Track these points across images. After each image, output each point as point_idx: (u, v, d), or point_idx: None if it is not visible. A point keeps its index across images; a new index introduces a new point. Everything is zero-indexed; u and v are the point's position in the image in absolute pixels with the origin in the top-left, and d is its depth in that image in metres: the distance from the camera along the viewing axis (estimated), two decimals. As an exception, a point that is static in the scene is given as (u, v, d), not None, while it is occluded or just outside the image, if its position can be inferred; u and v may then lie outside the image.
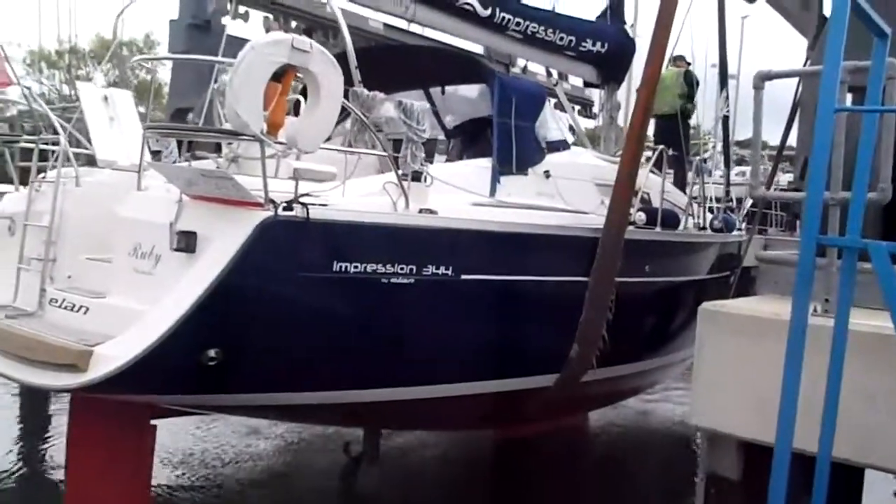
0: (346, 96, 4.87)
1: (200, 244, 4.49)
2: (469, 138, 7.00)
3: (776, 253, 6.42)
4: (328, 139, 6.58)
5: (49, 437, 8.34)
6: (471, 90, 7.80)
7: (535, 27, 7.77)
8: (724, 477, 4.32)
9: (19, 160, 6.31)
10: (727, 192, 10.20)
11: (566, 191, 6.58)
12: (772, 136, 10.93)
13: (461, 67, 7.16)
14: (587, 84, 10.13)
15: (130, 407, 5.07)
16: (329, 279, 4.66)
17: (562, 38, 8.13)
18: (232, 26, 9.39)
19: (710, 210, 9.20)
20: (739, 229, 9.50)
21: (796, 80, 7.80)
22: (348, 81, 4.96)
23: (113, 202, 5.28)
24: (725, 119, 10.89)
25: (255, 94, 4.22)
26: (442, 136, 7.31)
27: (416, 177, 5.21)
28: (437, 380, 5.49)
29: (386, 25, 9.37)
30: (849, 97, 4.34)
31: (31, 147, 5.87)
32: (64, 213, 5.51)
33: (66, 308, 5.18)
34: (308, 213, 4.49)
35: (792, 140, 8.48)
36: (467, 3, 7.45)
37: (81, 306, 5.09)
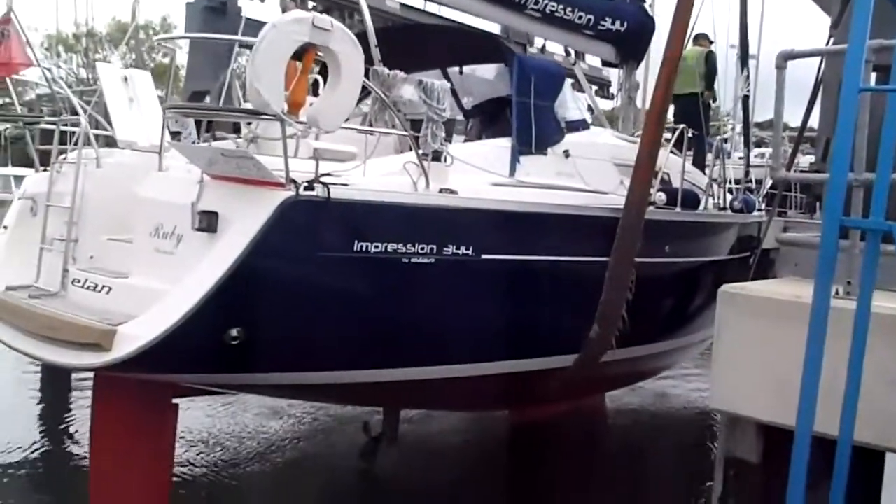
0: (366, 75, 4.85)
1: (222, 224, 4.50)
2: (488, 118, 6.96)
3: (797, 235, 6.35)
4: (346, 120, 6.62)
5: (71, 416, 8.45)
6: (489, 70, 7.76)
7: (553, 5, 7.68)
8: (743, 460, 4.30)
9: (39, 143, 6.34)
10: (746, 173, 10.11)
11: (586, 171, 6.54)
12: (792, 118, 10.83)
13: (479, 47, 7.12)
14: (605, 63, 10.03)
15: (153, 386, 5.11)
16: (350, 259, 4.67)
17: (580, 17, 8.04)
18: (248, 8, 9.38)
19: (730, 191, 9.13)
20: (759, 210, 9.42)
21: (818, 60, 7.72)
22: (368, 60, 4.94)
23: (133, 183, 5.31)
24: (745, 99, 10.77)
25: (276, 73, 4.21)
26: (460, 117, 7.28)
27: (437, 156, 5.20)
28: (456, 359, 5.50)
29: (402, 5, 9.34)
30: (873, 77, 4.27)
31: (51, 129, 5.89)
32: (85, 193, 5.54)
33: (88, 288, 5.21)
34: (329, 192, 4.50)
35: (813, 121, 8.40)
36: (485, -19, 7.38)
37: (104, 286, 5.12)
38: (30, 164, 6.36)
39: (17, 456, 7.26)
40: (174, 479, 6.61)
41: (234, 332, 4.39)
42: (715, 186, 8.35)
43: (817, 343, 3.28)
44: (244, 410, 8.61)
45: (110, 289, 5.09)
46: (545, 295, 5.76)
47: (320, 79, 5.71)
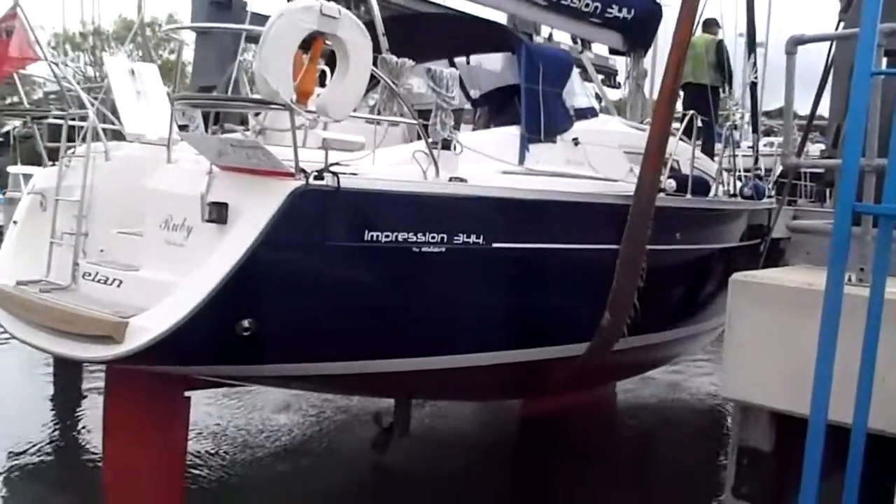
0: (374, 64, 4.83)
1: (232, 215, 4.49)
2: (495, 107, 6.93)
3: (809, 222, 6.31)
4: (354, 110, 6.59)
5: (83, 410, 8.48)
6: (495, 60, 7.72)
7: (560, -7, 7.64)
8: (756, 449, 4.27)
9: (48, 140, 6.33)
10: (756, 161, 10.04)
11: (595, 158, 6.50)
12: (800, 106, 10.72)
13: (487, 36, 7.08)
14: (613, 52, 9.98)
15: (165, 379, 5.12)
16: (360, 248, 4.65)
17: (587, 5, 7.99)
18: (253, 2, 9.33)
19: (739, 178, 9.08)
20: (770, 197, 9.36)
21: (826, 47, 7.66)
22: (376, 49, 4.92)
23: (142, 176, 5.30)
24: (753, 85, 10.69)
25: (284, 62, 4.19)
26: (468, 106, 7.24)
27: (446, 145, 5.17)
28: (467, 349, 5.49)
29: (409, -6, 9.29)
30: (884, 62, 4.22)
31: (59, 124, 5.88)
32: (94, 187, 5.53)
33: (99, 281, 5.21)
34: (339, 182, 4.48)
35: (822, 110, 8.33)
36: (492, -30, 7.35)
37: (115, 279, 5.12)
38: (39, 163, 6.35)
39: (30, 450, 7.31)
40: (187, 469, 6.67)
41: (245, 324, 4.38)
42: (725, 173, 8.31)
43: (831, 330, 3.25)
44: (255, 403, 8.64)
45: (121, 282, 5.09)
46: (556, 283, 5.74)
47: (328, 69, 5.70)
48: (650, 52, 9.73)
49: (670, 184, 6.69)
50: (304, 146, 5.11)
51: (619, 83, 11.76)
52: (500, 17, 9.11)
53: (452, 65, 7.49)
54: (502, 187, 5.39)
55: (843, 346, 3.25)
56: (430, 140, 5.09)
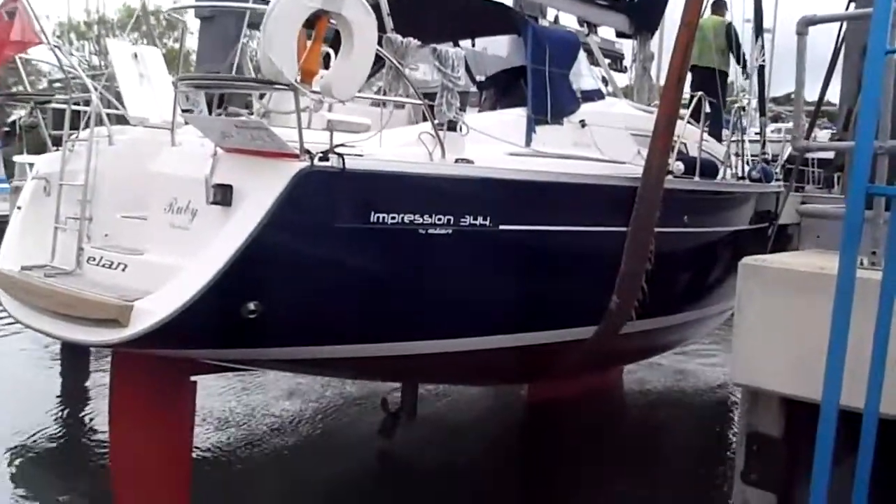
0: (379, 44, 4.77)
1: (236, 197, 4.44)
2: (501, 90, 6.87)
3: (819, 206, 6.26)
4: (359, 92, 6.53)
5: (90, 395, 8.49)
6: (501, 45, 7.66)
7: (566, -25, 7.58)
8: (765, 434, 4.24)
9: (52, 129, 6.30)
10: (763, 145, 9.97)
11: (602, 141, 6.45)
12: (807, 93, 10.62)
13: (493, 17, 7.00)
14: (619, 35, 9.89)
15: (171, 363, 5.10)
16: (366, 230, 4.61)
17: (593, -14, 7.94)
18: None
19: (747, 162, 9.01)
20: (778, 180, 9.30)
21: (834, 31, 7.57)
22: (381, 29, 4.85)
23: (146, 159, 5.26)
24: (761, 69, 10.60)
25: (288, 41, 4.13)
26: (473, 89, 7.19)
27: (452, 126, 5.12)
28: (474, 332, 5.45)
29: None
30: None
31: (63, 108, 5.84)
32: (98, 171, 5.48)
33: (104, 266, 5.18)
34: (344, 163, 4.43)
35: (829, 96, 8.22)
36: (497, -49, 7.25)
37: (119, 263, 5.09)
38: (45, 152, 6.31)
39: (38, 437, 7.33)
40: (194, 457, 6.66)
41: (251, 306, 4.34)
42: (733, 157, 8.25)
43: (843, 314, 3.21)
44: (264, 391, 8.62)
45: (126, 266, 5.06)
46: (563, 266, 5.70)
47: (332, 51, 5.64)
48: (657, 34, 9.66)
49: (678, 166, 6.64)
50: (309, 128, 5.06)
51: (626, 67, 11.66)
52: (507, 0, 9.03)
53: (457, 46, 7.43)
54: (509, 169, 5.33)
55: (854, 330, 3.22)
56: (435, 121, 5.03)
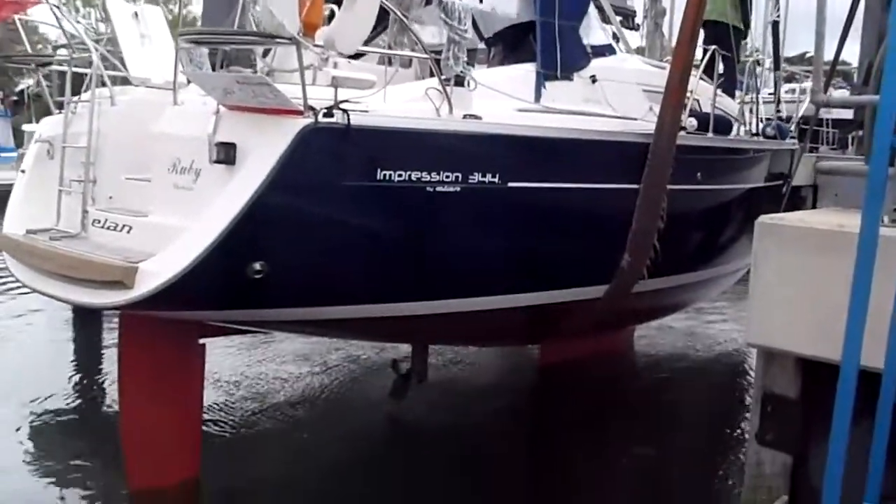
0: (383, -4, 4.66)
1: (240, 155, 4.37)
2: (510, 46, 6.70)
3: (839, 163, 6.12)
4: (363, 55, 6.41)
5: (103, 360, 8.50)
6: (510, 3, 7.46)
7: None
8: (781, 395, 4.17)
9: (58, 95, 6.21)
10: (777, 102, 9.77)
11: (613, 96, 6.31)
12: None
13: None
14: (630, -10, 9.67)
15: (179, 326, 5.06)
16: (372, 188, 4.53)
17: (604, -61, 7.71)
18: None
19: (761, 120, 8.83)
20: (793, 138, 9.12)
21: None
22: (385, -19, 4.74)
23: (149, 120, 5.17)
24: (775, 24, 10.35)
25: (289, -7, 4.03)
26: (482, 46, 7.03)
27: (459, 81, 5.00)
28: (483, 291, 5.38)
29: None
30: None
31: (72, 78, 5.75)
32: (101, 133, 5.42)
33: (109, 228, 5.14)
34: (349, 119, 4.34)
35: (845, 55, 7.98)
36: None
37: (124, 225, 5.04)
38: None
39: (52, 401, 7.33)
40: (205, 419, 6.66)
41: (256, 266, 4.29)
42: (747, 113, 8.09)
43: (865, 272, 3.11)
44: (275, 356, 8.61)
45: (131, 228, 5.01)
46: (574, 224, 5.61)
47: (335, 7, 5.52)
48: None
49: (691, 122, 6.50)
50: (315, 85, 4.96)
51: (638, 24, 11.41)
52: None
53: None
54: (518, 125, 5.22)
55: (874, 289, 3.12)
56: (442, 76, 4.92)
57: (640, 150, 5.70)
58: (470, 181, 4.88)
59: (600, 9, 8.69)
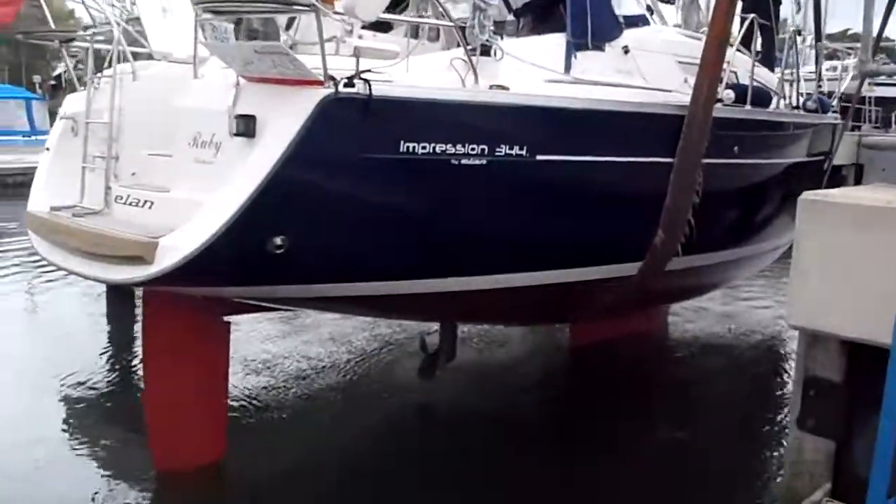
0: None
1: (260, 127, 4.26)
2: (539, 17, 6.51)
3: (887, 138, 5.89)
4: (391, 29, 6.26)
5: (135, 337, 8.50)
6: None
7: None
8: (824, 379, 4.02)
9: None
10: (819, 76, 9.44)
11: (647, 68, 6.10)
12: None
13: None
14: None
15: (202, 303, 5.00)
16: (395, 160, 4.40)
17: None
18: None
19: (801, 93, 8.53)
20: (835, 112, 8.80)
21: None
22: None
23: (170, 94, 5.10)
24: (817, -5, 9.99)
25: (309, -42, 3.89)
26: (510, 18, 6.85)
27: (486, 51, 4.83)
28: (511, 268, 5.24)
29: None
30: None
31: (97, 50, 5.68)
32: (123, 108, 5.36)
33: (131, 204, 5.07)
34: (370, 89, 4.21)
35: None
36: None
37: (146, 201, 4.98)
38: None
39: (85, 377, 7.38)
40: (234, 401, 6.64)
41: (277, 241, 4.20)
42: (786, 86, 7.81)
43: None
44: (304, 338, 8.55)
45: (152, 203, 4.94)
46: (605, 199, 5.44)
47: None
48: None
49: (728, 94, 6.26)
50: (338, 55, 4.84)
51: (672, -3, 11.10)
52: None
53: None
54: (547, 96, 5.05)
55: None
56: (468, 46, 4.76)
57: (675, 122, 5.51)
58: (496, 154, 4.73)
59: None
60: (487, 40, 4.80)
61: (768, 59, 8.43)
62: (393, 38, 5.76)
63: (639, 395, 7.29)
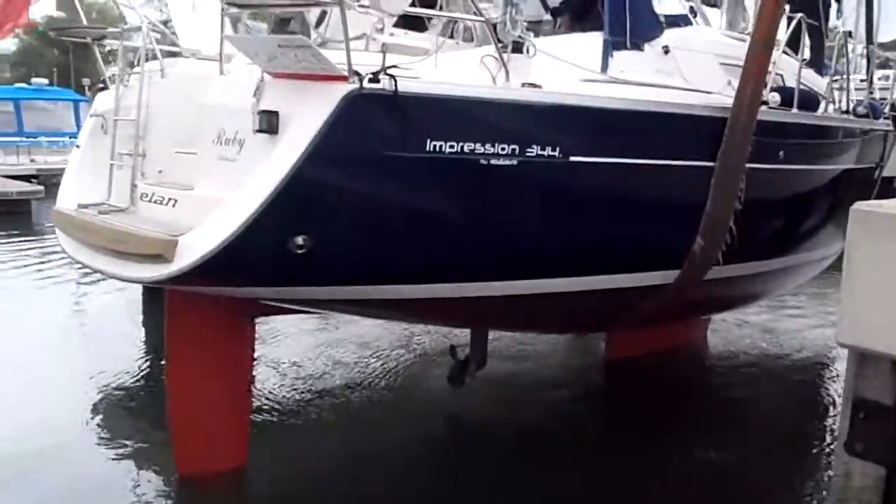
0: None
1: (283, 124, 4.15)
2: (576, 15, 6.31)
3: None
4: (425, 29, 6.14)
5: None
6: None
7: None
8: (875, 401, 3.76)
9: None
10: (870, 83, 9.07)
11: (688, 69, 5.87)
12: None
13: None
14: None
15: (226, 304, 4.92)
16: (421, 159, 4.26)
17: None
18: None
19: (851, 99, 8.19)
20: (886, 118, 8.44)
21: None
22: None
23: (196, 91, 5.02)
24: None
25: (333, -50, 3.77)
26: (547, 17, 6.67)
27: (518, 48, 4.66)
28: (542, 273, 5.06)
29: None
30: None
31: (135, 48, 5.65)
32: (151, 105, 5.30)
33: (156, 202, 5.01)
34: (397, 85, 4.07)
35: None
36: None
37: (170, 199, 4.90)
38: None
39: (121, 377, 7.41)
40: (255, 404, 6.54)
41: (299, 241, 4.08)
42: (835, 90, 7.50)
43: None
44: (333, 343, 8.44)
45: (177, 201, 4.86)
46: (642, 203, 5.24)
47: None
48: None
49: (773, 97, 6.02)
50: (367, 51, 4.72)
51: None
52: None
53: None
54: (582, 95, 4.86)
55: None
56: (499, 43, 4.59)
57: (717, 124, 5.31)
58: (528, 154, 4.55)
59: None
60: (520, 37, 4.63)
61: (817, 62, 8.13)
62: (427, 38, 5.63)
63: (674, 412, 7.01)
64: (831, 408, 7.27)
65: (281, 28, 6.51)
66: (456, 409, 6.92)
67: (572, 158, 4.74)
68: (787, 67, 6.62)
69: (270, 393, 7.01)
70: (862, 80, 9.73)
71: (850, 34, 8.34)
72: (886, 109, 9.45)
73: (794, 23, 6.39)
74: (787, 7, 7.45)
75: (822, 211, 6.98)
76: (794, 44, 6.72)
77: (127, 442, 6.06)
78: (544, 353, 8.48)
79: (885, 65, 22.41)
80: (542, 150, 4.60)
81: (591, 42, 5.46)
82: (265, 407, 6.67)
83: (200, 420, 5.19)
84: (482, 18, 4.68)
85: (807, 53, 7.25)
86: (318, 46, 5.28)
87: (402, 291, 4.71)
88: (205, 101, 4.89)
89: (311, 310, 5.75)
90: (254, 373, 5.87)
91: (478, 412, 6.85)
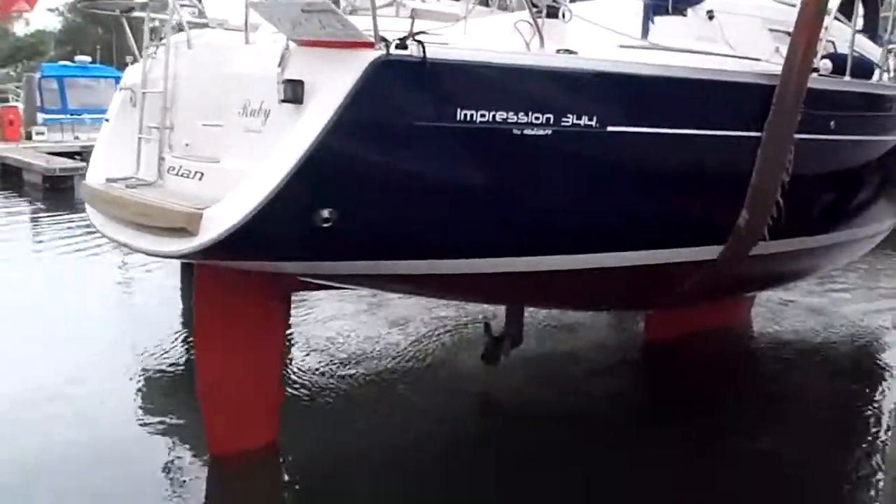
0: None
1: (308, 93, 4.01)
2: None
3: None
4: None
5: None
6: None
7: None
8: None
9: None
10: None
11: (733, 34, 5.60)
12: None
13: None
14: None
15: (254, 279, 4.84)
16: (451, 129, 4.09)
17: None
18: None
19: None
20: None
21: None
22: None
23: (222, 61, 4.91)
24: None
25: None
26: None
27: (553, 12, 4.46)
28: (578, 249, 4.88)
29: None
30: None
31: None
32: (178, 77, 5.20)
33: (182, 175, 4.93)
34: (425, 51, 3.90)
35: None
36: None
37: (197, 172, 4.82)
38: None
39: (160, 354, 7.45)
40: (288, 381, 6.50)
41: (325, 214, 3.94)
42: (891, 58, 7.14)
43: None
44: (366, 322, 8.38)
45: (203, 174, 4.78)
46: (683, 175, 5.03)
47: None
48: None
49: (825, 64, 5.72)
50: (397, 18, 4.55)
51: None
52: None
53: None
54: (620, 61, 4.64)
55: None
56: (533, 7, 4.39)
57: (764, 93, 5.08)
58: (563, 124, 4.36)
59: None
60: (555, 1, 4.42)
61: (871, 29, 7.76)
62: (461, 5, 5.43)
63: (716, 396, 6.81)
64: (885, 393, 7.02)
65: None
66: (488, 390, 6.80)
67: (610, 128, 4.54)
68: (839, 34, 6.31)
69: (299, 369, 6.96)
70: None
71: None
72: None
73: (847, -13, 6.06)
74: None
75: (875, 185, 6.70)
76: (846, 10, 6.40)
77: (166, 416, 6.06)
78: (582, 331, 8.31)
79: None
80: (577, 119, 4.40)
81: (630, 6, 5.23)
82: (295, 383, 6.63)
83: (230, 399, 5.13)
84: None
85: (860, 22, 6.92)
86: (348, 14, 5.18)
87: (431, 267, 4.56)
88: (230, 72, 4.77)
89: (339, 285, 5.64)
90: (286, 350, 5.82)
91: (510, 392, 6.73)
